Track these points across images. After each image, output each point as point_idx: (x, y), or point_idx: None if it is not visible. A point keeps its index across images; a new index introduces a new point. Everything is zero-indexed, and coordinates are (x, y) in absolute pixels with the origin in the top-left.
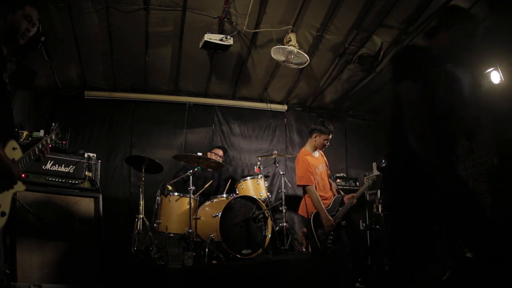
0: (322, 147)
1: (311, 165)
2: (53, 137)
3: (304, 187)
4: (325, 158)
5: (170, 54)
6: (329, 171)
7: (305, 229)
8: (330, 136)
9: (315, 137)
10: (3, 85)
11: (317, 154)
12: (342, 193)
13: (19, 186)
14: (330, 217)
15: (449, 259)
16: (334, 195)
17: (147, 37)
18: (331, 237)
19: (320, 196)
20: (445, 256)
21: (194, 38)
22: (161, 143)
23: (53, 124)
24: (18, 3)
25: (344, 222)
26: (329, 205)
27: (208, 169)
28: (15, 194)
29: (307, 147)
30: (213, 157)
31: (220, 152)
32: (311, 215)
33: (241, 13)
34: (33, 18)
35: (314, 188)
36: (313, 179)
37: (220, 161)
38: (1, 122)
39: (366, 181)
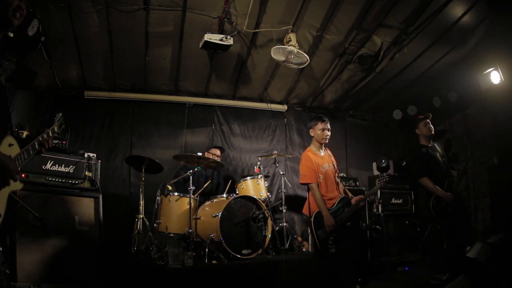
0: (322, 138)
1: (314, 163)
2: (56, 128)
3: (307, 185)
4: (333, 158)
5: (170, 54)
6: (337, 172)
7: (300, 237)
8: (325, 124)
9: (312, 133)
10: None
11: (322, 153)
12: (350, 195)
13: (16, 185)
14: (331, 217)
15: None
16: (340, 196)
17: (147, 37)
18: (333, 238)
19: (325, 196)
20: None
21: (194, 38)
22: (161, 143)
23: (57, 114)
24: None
25: (349, 223)
26: (333, 205)
27: (208, 168)
28: (14, 193)
29: (311, 146)
30: (211, 157)
31: (218, 152)
32: (313, 215)
33: (241, 13)
34: None
35: (317, 186)
36: (315, 177)
37: (218, 160)
38: None
39: (378, 183)
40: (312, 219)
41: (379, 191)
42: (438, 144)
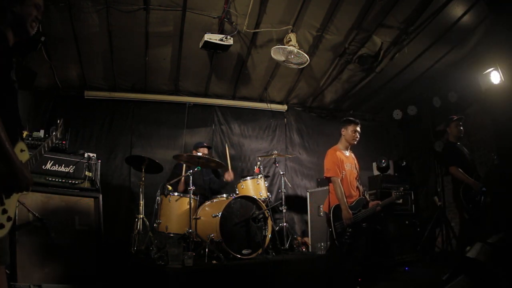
0: (352, 139)
1: (339, 159)
2: (59, 135)
3: (329, 179)
4: (356, 162)
5: (170, 54)
6: (358, 175)
7: (299, 238)
8: (358, 127)
9: (343, 132)
10: (10, 83)
11: (348, 153)
12: (368, 199)
13: None
14: (349, 211)
15: None
16: (360, 197)
17: (147, 37)
18: (348, 233)
19: (345, 193)
20: None
21: (194, 38)
22: (161, 143)
23: (58, 121)
24: None
25: (365, 224)
26: (352, 203)
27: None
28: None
29: (339, 145)
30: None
31: (206, 151)
32: (332, 207)
33: (241, 13)
34: (41, 5)
35: (339, 181)
36: (339, 172)
37: None
38: (10, 123)
39: (394, 194)
40: (331, 212)
41: (378, 191)
42: (463, 146)
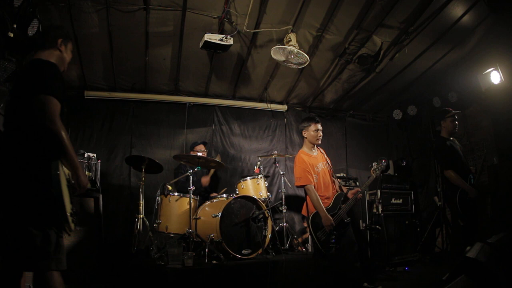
0: (316, 139)
1: (309, 165)
2: None
3: (303, 188)
4: (326, 156)
5: (170, 54)
6: (331, 169)
7: (303, 236)
8: (318, 125)
9: (305, 134)
10: (62, 105)
11: (315, 153)
12: (346, 190)
13: None
14: (329, 216)
15: None
16: (337, 193)
17: (147, 37)
18: (333, 236)
19: (322, 195)
20: None
21: (194, 38)
22: (161, 143)
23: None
24: (69, 38)
25: (348, 219)
26: (329, 204)
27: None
28: None
29: (304, 148)
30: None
31: (203, 147)
32: (310, 216)
33: (241, 13)
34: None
35: (313, 187)
36: (311, 179)
37: (205, 155)
38: None
39: (373, 172)
40: (310, 221)
41: (378, 191)
42: (456, 140)
